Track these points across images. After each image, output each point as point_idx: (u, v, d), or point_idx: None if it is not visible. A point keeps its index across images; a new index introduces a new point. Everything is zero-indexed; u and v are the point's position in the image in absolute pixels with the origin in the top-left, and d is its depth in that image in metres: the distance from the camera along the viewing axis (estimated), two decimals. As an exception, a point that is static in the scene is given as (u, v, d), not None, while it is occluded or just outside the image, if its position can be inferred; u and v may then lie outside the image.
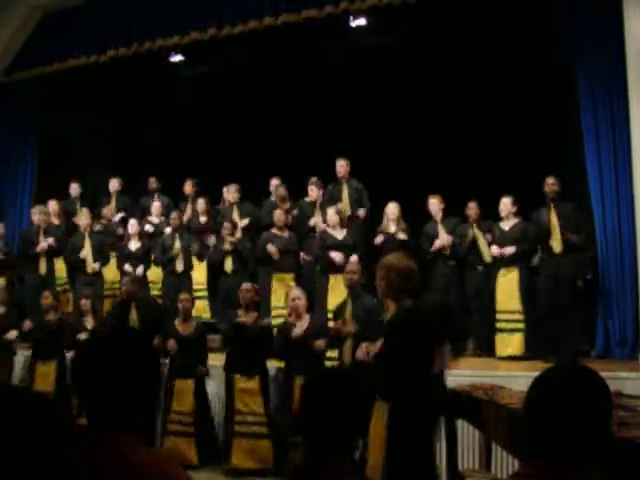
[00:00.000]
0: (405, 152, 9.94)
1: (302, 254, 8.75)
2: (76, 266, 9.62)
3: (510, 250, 7.66)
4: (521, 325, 7.57)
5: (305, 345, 6.46)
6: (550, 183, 7.61)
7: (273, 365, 7.07)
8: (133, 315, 7.87)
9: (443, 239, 8.18)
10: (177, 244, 9.10)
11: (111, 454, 1.65)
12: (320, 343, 6.45)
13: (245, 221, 9.40)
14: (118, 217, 10.50)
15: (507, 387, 4.74)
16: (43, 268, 9.67)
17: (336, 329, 6.33)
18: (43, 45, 10.97)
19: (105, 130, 11.89)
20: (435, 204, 8.39)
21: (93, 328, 7.82)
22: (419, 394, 3.92)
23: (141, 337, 1.92)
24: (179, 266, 9.05)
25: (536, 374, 1.86)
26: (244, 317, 6.94)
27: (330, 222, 8.31)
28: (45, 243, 9.62)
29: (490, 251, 7.87)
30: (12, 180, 11.70)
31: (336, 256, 7.99)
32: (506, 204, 7.90)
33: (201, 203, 9.78)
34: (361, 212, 8.90)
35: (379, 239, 8.27)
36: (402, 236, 8.16)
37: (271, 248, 8.47)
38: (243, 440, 6.64)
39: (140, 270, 9.33)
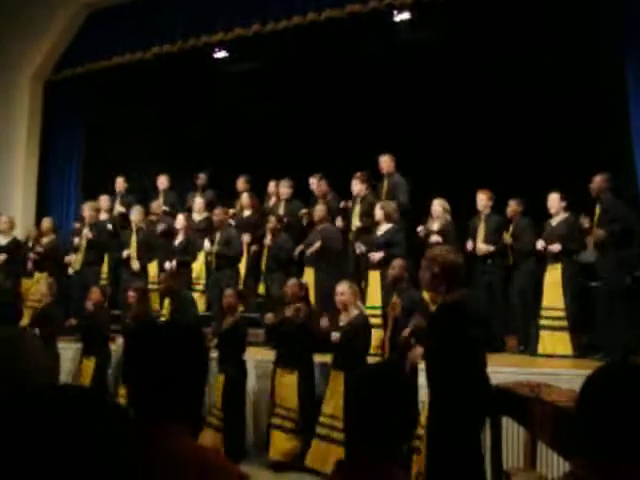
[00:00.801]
0: (452, 148, 9.83)
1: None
2: (120, 263, 9.82)
3: (556, 247, 7.53)
4: (564, 323, 7.42)
5: (343, 341, 6.44)
6: (597, 180, 7.47)
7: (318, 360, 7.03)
8: (165, 309, 7.97)
9: (479, 242, 8.11)
10: (217, 240, 9.14)
11: (162, 446, 1.66)
12: (335, 334, 6.43)
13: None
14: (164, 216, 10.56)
15: (554, 385, 4.68)
16: (77, 263, 9.94)
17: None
18: (89, 43, 11.17)
19: (150, 126, 12.03)
20: (482, 199, 8.28)
21: (128, 320, 7.90)
22: (462, 390, 3.89)
23: (192, 328, 1.93)
24: (215, 262, 9.11)
25: (580, 372, 1.83)
26: (271, 315, 7.02)
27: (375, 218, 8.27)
28: (81, 237, 9.92)
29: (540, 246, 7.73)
30: (59, 176, 11.92)
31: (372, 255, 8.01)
32: (554, 200, 7.77)
33: (245, 197, 9.82)
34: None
35: (421, 232, 8.24)
36: (435, 227, 8.10)
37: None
38: (278, 433, 6.66)
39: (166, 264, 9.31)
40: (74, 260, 10.04)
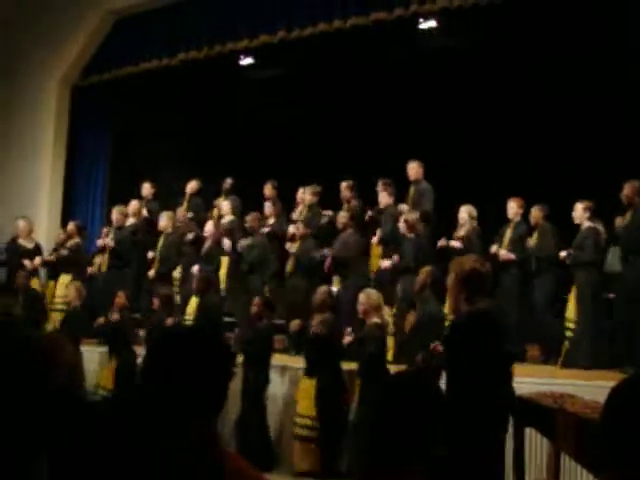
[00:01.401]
0: (478, 154, 9.76)
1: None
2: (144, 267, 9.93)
3: (561, 254, 7.55)
4: (570, 334, 7.39)
5: (354, 350, 6.44)
6: (627, 188, 7.39)
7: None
8: (190, 311, 8.03)
9: (502, 248, 8.07)
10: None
11: (190, 448, 1.66)
12: (347, 338, 6.50)
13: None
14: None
15: (577, 396, 4.64)
16: (103, 266, 10.14)
17: None
18: (116, 49, 11.29)
19: (176, 132, 12.10)
20: (513, 207, 8.18)
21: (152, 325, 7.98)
22: (479, 401, 3.85)
23: (218, 333, 1.93)
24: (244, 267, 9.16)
25: (603, 384, 1.81)
26: (299, 322, 7.10)
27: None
28: (102, 241, 10.14)
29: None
30: (85, 179, 12.05)
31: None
32: (578, 210, 7.71)
33: (267, 207, 9.84)
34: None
35: (441, 243, 8.19)
36: (456, 244, 8.05)
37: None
38: (297, 442, 6.66)
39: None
40: (100, 262, 10.17)
